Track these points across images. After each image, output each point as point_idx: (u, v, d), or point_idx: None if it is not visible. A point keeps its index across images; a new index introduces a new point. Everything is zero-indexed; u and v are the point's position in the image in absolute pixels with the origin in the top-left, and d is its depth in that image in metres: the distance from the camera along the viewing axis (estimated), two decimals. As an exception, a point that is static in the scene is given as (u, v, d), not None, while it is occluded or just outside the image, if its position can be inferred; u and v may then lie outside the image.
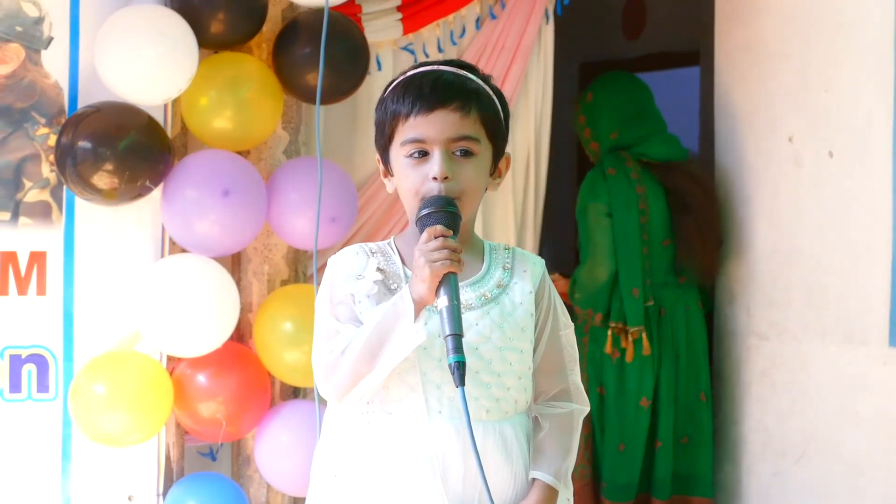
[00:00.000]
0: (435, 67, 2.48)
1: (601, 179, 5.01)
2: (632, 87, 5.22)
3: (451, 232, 2.34)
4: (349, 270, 2.45)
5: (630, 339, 4.90)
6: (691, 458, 5.03)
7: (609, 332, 4.91)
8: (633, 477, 4.95)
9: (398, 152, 2.44)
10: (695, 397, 5.02)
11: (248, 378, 4.12)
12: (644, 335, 4.90)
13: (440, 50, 4.62)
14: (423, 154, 2.41)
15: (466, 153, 2.42)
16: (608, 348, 4.90)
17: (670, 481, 4.98)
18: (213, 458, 4.37)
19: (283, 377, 4.20)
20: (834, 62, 4.71)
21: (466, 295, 2.43)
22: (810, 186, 4.79)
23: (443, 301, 2.28)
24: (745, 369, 5.05)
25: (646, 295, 4.93)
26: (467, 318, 2.38)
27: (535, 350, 2.51)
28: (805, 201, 4.81)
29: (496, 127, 2.47)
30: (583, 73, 7.46)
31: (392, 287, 2.43)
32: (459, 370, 2.23)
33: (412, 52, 4.57)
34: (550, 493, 2.45)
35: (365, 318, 2.39)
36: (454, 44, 4.65)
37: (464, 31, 4.66)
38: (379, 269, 2.44)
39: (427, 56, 4.56)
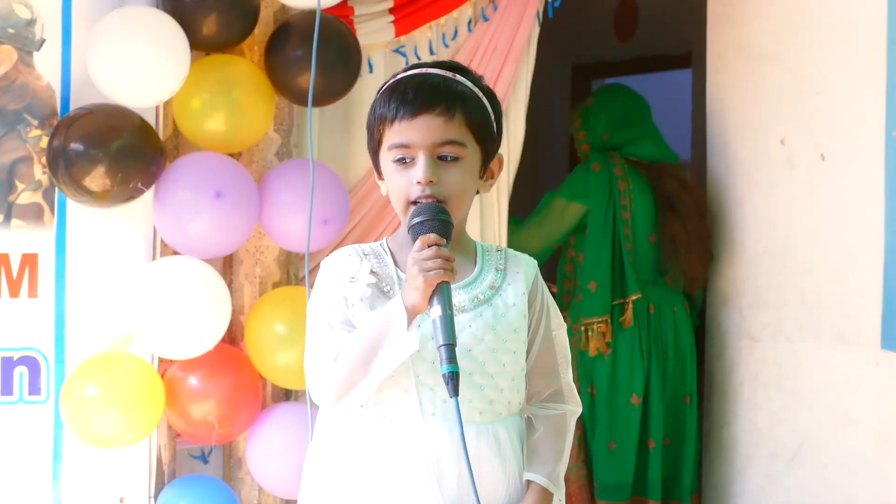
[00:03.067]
0: (422, 71, 2.48)
1: (584, 175, 5.05)
2: (630, 99, 5.28)
3: (445, 241, 2.34)
4: (342, 273, 2.45)
5: (598, 331, 4.92)
6: (672, 461, 5.03)
7: (582, 329, 4.93)
8: (624, 477, 4.94)
9: (386, 156, 2.46)
10: (679, 399, 5.03)
11: (240, 380, 4.12)
12: (599, 330, 4.92)
13: (432, 52, 4.61)
14: (409, 159, 2.42)
15: (451, 158, 2.42)
16: (582, 345, 4.92)
17: (661, 483, 4.98)
18: (205, 461, 4.36)
19: (275, 379, 4.20)
20: (826, 64, 4.71)
21: (459, 297, 2.43)
22: (803, 188, 4.79)
23: (436, 310, 2.29)
24: (738, 371, 5.06)
25: (624, 290, 4.94)
26: (460, 320, 2.38)
27: (528, 351, 2.51)
28: (797, 203, 4.81)
29: (484, 129, 2.47)
30: (575, 75, 7.47)
31: (385, 290, 2.43)
32: (453, 381, 2.24)
33: (404, 55, 4.57)
34: (545, 496, 2.46)
35: (358, 321, 2.39)
36: (446, 46, 4.64)
37: (456, 33, 4.65)
38: (372, 272, 2.44)
39: (419, 59, 4.55)
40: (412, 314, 2.31)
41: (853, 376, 4.64)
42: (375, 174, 2.54)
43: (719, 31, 5.18)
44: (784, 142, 4.85)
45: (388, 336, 2.32)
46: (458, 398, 2.24)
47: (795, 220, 4.83)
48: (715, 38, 5.21)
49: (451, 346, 2.26)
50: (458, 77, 2.47)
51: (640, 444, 4.97)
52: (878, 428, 4.57)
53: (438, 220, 2.36)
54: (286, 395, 4.32)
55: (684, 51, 6.67)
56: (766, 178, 4.93)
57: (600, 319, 4.92)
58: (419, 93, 2.42)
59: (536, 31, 4.78)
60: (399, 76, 2.49)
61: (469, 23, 4.67)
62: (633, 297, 4.93)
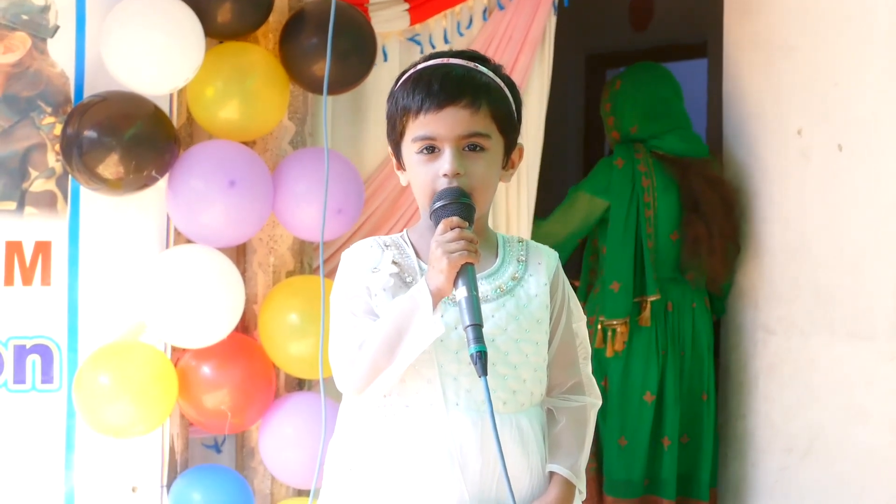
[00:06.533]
0: (444, 61, 2.46)
1: (607, 171, 5.01)
2: (659, 83, 5.17)
3: (467, 223, 2.33)
4: (364, 263, 2.44)
5: (618, 332, 4.89)
6: (690, 459, 5.01)
7: (599, 327, 4.90)
8: (634, 474, 4.91)
9: (409, 148, 2.44)
10: (697, 396, 5.00)
11: (253, 369, 4.12)
12: (619, 331, 4.90)
13: (447, 41, 4.59)
14: (434, 150, 2.41)
15: (477, 149, 2.41)
16: (598, 343, 4.89)
17: (676, 481, 4.96)
18: (218, 450, 4.36)
19: (288, 369, 4.19)
20: (843, 55, 4.69)
21: (482, 287, 2.42)
22: (819, 180, 4.77)
23: (461, 292, 2.28)
24: (753, 364, 5.04)
25: (643, 289, 4.91)
26: (483, 310, 2.36)
27: (549, 343, 2.50)
28: (813, 195, 4.79)
29: (507, 120, 2.46)
30: (589, 65, 7.45)
31: (407, 280, 2.42)
32: (481, 360, 2.23)
33: (419, 43, 4.56)
34: (569, 487, 2.45)
35: (381, 311, 2.38)
36: (461, 35, 4.62)
37: (471, 21, 4.64)
38: (394, 262, 2.43)
39: (434, 47, 4.54)
40: (437, 297, 2.31)
41: (867, 370, 4.63)
42: (395, 164, 2.52)
43: (736, 22, 5.15)
44: (800, 133, 4.83)
45: (413, 320, 2.31)
46: (487, 385, 2.24)
47: (811, 212, 4.81)
48: (731, 29, 5.18)
49: (477, 326, 2.25)
50: (481, 67, 2.46)
51: (653, 442, 4.93)
52: (892, 422, 4.55)
53: (460, 203, 2.35)
54: (299, 385, 4.31)
55: (700, 41, 6.64)
56: (782, 170, 4.91)
57: (622, 321, 4.90)
58: (444, 85, 2.40)
59: (553, 21, 4.76)
60: (420, 66, 2.47)
61: (484, 12, 4.65)
62: (652, 298, 4.90)
